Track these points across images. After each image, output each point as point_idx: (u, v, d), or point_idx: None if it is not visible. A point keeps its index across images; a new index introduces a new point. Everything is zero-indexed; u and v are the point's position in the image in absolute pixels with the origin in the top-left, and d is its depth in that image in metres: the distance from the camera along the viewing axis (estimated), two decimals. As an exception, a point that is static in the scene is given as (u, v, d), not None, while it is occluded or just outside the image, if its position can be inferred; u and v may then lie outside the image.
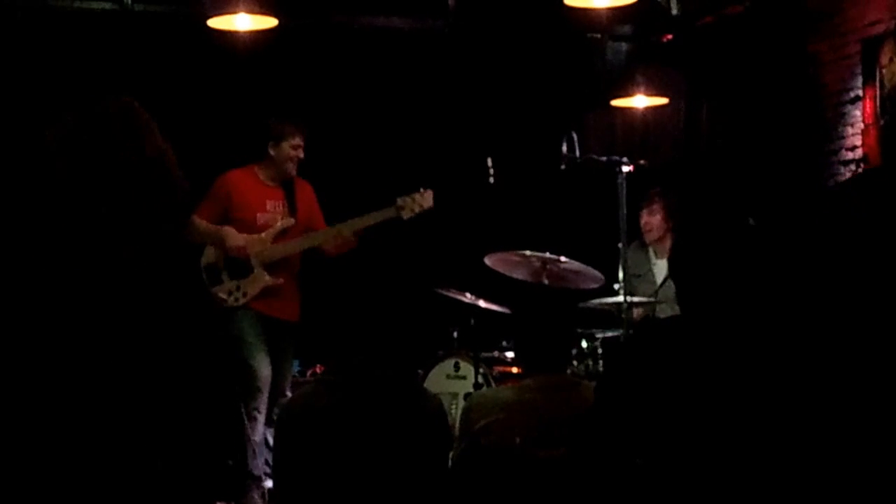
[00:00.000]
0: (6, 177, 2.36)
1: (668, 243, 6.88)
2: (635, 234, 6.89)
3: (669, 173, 7.37)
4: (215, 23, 6.21)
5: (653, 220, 6.91)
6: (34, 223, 2.28)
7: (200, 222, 5.91)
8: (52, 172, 2.24)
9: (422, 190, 6.08)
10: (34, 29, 6.94)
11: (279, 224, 6.04)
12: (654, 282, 6.94)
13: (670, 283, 6.75)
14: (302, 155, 6.08)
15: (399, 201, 6.04)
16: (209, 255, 6.06)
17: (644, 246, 7.02)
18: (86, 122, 2.31)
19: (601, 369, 6.32)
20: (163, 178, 2.34)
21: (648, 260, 7.01)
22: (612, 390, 2.36)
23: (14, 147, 2.37)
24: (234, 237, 5.97)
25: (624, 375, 2.35)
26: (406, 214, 6.04)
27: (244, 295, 5.97)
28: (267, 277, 5.97)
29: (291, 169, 6.08)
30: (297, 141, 6.05)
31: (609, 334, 6.44)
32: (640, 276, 6.91)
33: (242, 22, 6.22)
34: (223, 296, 5.97)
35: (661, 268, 6.94)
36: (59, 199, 2.24)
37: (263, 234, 6.01)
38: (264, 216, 6.04)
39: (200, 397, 2.30)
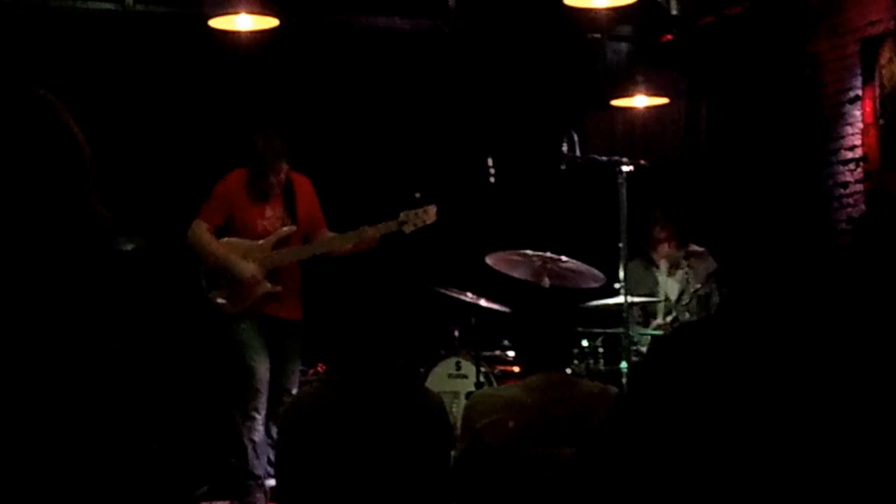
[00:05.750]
0: None
1: (676, 254, 6.79)
2: (635, 235, 6.85)
3: (669, 173, 7.38)
4: (216, 23, 6.23)
5: (663, 234, 6.86)
6: None
7: (207, 237, 5.90)
8: None
9: (425, 206, 6.07)
10: (34, 29, 6.94)
11: (280, 231, 6.02)
12: (665, 299, 6.83)
13: (684, 300, 6.70)
14: (281, 178, 5.97)
15: (402, 216, 6.03)
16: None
17: (649, 263, 6.93)
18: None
19: (602, 367, 6.33)
20: (72, 153, 2.22)
21: (654, 277, 6.91)
22: (646, 389, 2.25)
23: None
24: (246, 268, 5.92)
25: (659, 375, 2.24)
26: (408, 229, 6.03)
27: (243, 301, 5.95)
28: (267, 285, 5.95)
29: (270, 189, 6.00)
30: (268, 170, 5.91)
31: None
32: (646, 294, 6.78)
33: (243, 22, 6.24)
34: (222, 301, 5.96)
35: (671, 286, 6.84)
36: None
37: (263, 242, 5.98)
38: (265, 222, 6.01)
39: (179, 398, 2.27)
